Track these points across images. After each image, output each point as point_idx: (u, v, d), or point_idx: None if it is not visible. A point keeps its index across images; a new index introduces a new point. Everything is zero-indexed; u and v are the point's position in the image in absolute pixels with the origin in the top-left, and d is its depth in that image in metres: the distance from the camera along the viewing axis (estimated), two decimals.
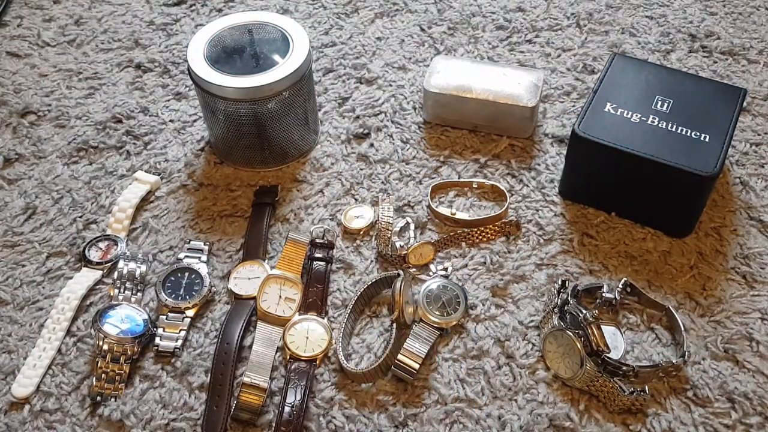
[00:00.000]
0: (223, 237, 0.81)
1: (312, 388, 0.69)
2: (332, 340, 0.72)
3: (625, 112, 0.79)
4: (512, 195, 0.84)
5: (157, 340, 0.72)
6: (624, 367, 0.67)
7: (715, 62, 0.99)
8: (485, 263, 0.78)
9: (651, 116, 0.79)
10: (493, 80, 0.88)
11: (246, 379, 0.67)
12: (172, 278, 0.76)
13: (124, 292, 0.75)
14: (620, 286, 0.75)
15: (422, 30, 1.04)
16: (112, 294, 0.75)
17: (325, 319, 0.74)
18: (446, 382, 0.70)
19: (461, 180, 0.86)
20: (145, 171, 0.87)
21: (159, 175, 0.87)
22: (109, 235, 0.81)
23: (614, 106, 0.80)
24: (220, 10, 1.08)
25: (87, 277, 0.77)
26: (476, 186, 0.85)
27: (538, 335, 0.73)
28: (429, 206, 0.83)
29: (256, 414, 0.67)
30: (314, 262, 0.77)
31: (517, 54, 1.01)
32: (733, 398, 0.68)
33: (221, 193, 0.85)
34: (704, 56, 0.99)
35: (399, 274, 0.74)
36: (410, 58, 1.00)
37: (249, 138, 0.83)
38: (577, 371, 0.67)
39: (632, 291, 0.75)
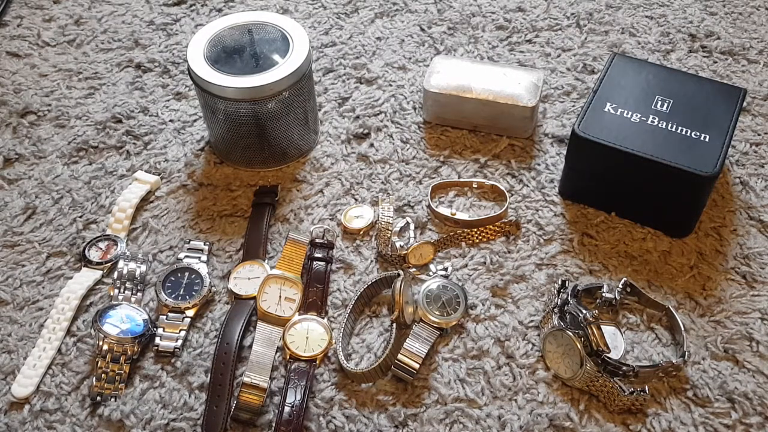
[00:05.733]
0: (223, 237, 0.81)
1: (312, 388, 0.69)
2: (332, 340, 0.72)
3: (625, 112, 0.79)
4: (512, 195, 0.84)
5: (157, 340, 0.72)
6: (624, 367, 0.67)
7: (715, 62, 0.99)
8: (485, 263, 0.78)
9: (651, 116, 0.79)
10: (493, 80, 0.88)
11: (246, 379, 0.67)
12: (172, 278, 0.76)
13: (124, 292, 0.75)
14: (620, 286, 0.75)
15: (422, 30, 1.04)
16: (112, 294, 0.75)
17: (325, 319, 0.74)
18: (446, 382, 0.70)
19: (461, 180, 0.86)
20: (145, 171, 0.87)
21: (159, 175, 0.87)
22: (109, 235, 0.81)
23: (614, 106, 0.80)
24: (220, 10, 1.08)
25: (87, 277, 0.77)
26: (476, 186, 0.85)
27: (538, 335, 0.73)
28: (429, 206, 0.83)
29: (256, 414, 0.67)
30: (314, 262, 0.77)
31: (517, 54, 1.01)
32: (733, 398, 0.68)
33: (221, 193, 0.85)
34: (704, 56, 0.99)
35: (399, 274, 0.74)
36: (410, 58, 1.00)
37: (249, 138, 0.83)
38: (577, 371, 0.67)
39: (632, 291, 0.75)
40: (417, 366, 0.69)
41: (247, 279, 0.76)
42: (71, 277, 0.77)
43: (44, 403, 0.68)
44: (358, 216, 0.82)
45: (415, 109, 0.94)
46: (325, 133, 0.91)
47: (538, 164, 0.87)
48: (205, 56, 0.81)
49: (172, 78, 0.99)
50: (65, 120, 0.93)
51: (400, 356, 0.69)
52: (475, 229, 0.80)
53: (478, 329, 0.73)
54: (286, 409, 0.66)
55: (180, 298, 0.74)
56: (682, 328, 0.71)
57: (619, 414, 0.67)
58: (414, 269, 0.78)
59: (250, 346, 0.71)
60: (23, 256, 0.80)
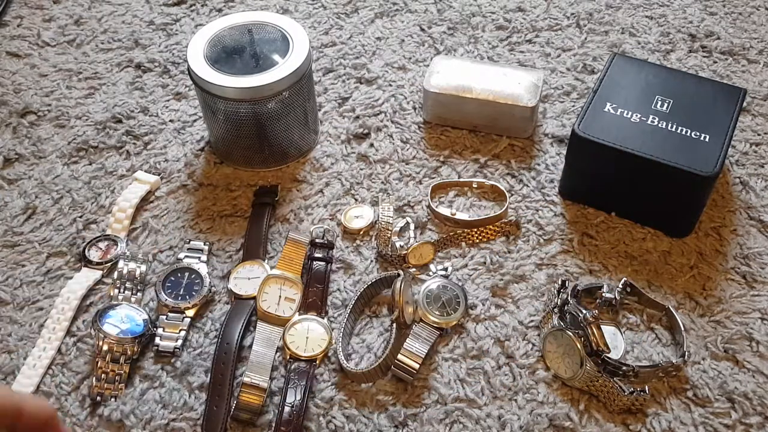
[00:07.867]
0: (223, 237, 0.81)
1: (312, 388, 0.69)
2: (332, 340, 0.72)
3: (625, 112, 0.79)
4: (512, 195, 0.84)
5: (157, 340, 0.72)
6: (624, 367, 0.67)
7: (715, 62, 0.99)
8: (485, 263, 0.78)
9: (651, 116, 0.79)
10: (493, 80, 0.88)
11: (246, 379, 0.67)
12: (172, 278, 0.76)
13: (124, 292, 0.75)
14: (620, 286, 0.75)
15: (422, 30, 1.04)
16: (112, 294, 0.75)
17: (325, 319, 0.74)
18: (446, 382, 0.70)
19: (461, 180, 0.86)
20: (145, 171, 0.87)
21: (159, 175, 0.87)
22: (109, 235, 0.81)
23: (614, 106, 0.80)
24: (220, 10, 1.08)
25: (87, 277, 0.77)
26: (476, 186, 0.85)
27: (538, 335, 0.73)
28: (429, 206, 0.83)
29: (256, 414, 0.67)
30: (314, 262, 0.77)
31: (517, 54, 1.01)
32: (733, 398, 0.68)
33: (221, 193, 0.85)
34: (704, 56, 0.99)
35: (399, 274, 0.74)
36: (410, 58, 1.00)
37: (249, 138, 0.83)
38: (577, 371, 0.67)
39: (632, 291, 0.75)
40: (417, 366, 0.69)
41: (247, 279, 0.76)
42: (71, 277, 0.77)
43: None
44: (358, 216, 0.82)
45: (415, 109, 0.94)
46: (325, 133, 0.91)
47: (538, 164, 0.87)
48: (205, 56, 0.81)
49: (172, 78, 0.99)
50: (65, 120, 0.93)
51: (400, 356, 0.69)
52: (475, 229, 0.80)
53: (478, 329, 0.73)
54: (286, 409, 0.66)
55: (180, 298, 0.74)
56: (682, 328, 0.71)
57: (619, 414, 0.67)
58: (414, 269, 0.78)
59: (250, 346, 0.71)
60: (23, 256, 0.80)
